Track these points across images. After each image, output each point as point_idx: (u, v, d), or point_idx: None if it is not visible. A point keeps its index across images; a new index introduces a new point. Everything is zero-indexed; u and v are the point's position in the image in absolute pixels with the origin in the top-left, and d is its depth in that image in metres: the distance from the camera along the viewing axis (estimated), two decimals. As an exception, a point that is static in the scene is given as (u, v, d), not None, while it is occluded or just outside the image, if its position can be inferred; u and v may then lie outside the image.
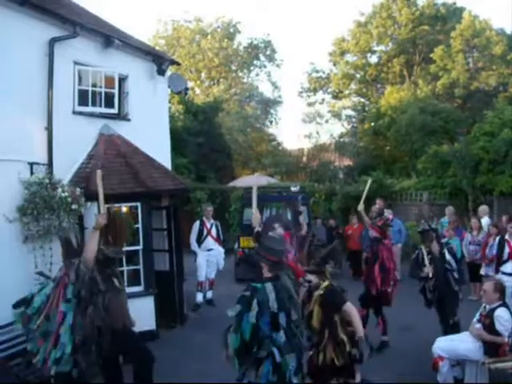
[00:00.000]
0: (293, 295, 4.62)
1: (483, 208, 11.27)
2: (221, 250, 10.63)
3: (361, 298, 7.60)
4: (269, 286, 4.40)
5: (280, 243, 4.99)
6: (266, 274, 4.54)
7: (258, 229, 6.13)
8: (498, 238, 8.72)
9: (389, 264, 7.54)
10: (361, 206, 7.90)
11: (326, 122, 30.92)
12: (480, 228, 10.34)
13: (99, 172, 5.49)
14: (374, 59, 28.50)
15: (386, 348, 7.33)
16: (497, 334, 5.45)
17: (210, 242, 10.36)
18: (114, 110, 8.81)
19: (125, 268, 7.83)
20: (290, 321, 4.40)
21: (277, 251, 4.65)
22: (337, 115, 30.59)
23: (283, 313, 4.34)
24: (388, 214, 11.79)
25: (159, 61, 9.89)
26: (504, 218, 8.99)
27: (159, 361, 5.86)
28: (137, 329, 5.88)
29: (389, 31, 26.76)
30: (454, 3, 26.92)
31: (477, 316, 5.91)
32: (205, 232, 10.34)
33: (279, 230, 6.32)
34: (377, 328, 7.49)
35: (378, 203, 12.74)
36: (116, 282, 5.59)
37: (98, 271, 5.24)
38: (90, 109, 8.39)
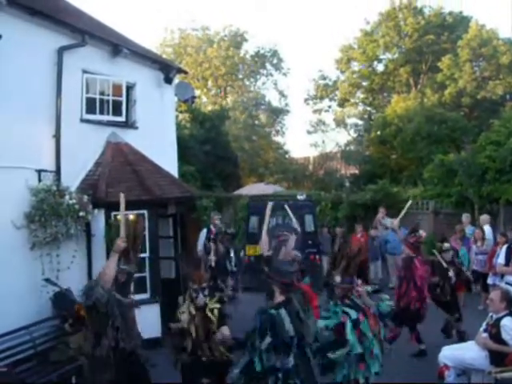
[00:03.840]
0: (302, 318, 4.55)
1: (484, 217, 11.27)
2: (227, 257, 10.61)
3: (395, 316, 7.12)
4: (283, 311, 4.42)
5: (290, 265, 5.01)
6: (279, 298, 4.55)
7: (267, 253, 5.92)
8: (505, 247, 8.64)
9: (421, 281, 7.44)
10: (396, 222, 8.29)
11: (333, 129, 31.00)
12: (483, 238, 10.31)
13: (122, 195, 5.48)
14: (380, 67, 28.53)
15: (424, 356, 7.36)
16: (503, 343, 5.41)
17: (216, 249, 10.35)
18: (122, 118, 8.86)
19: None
20: (304, 344, 4.44)
21: (288, 273, 4.74)
22: (342, 123, 30.58)
23: (297, 337, 4.38)
24: (390, 222, 11.79)
25: (166, 69, 9.97)
26: None
27: (163, 369, 5.85)
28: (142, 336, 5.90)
29: (395, 40, 26.79)
30: (461, 12, 26.94)
31: (483, 325, 5.87)
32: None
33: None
34: (409, 343, 7.52)
35: (381, 211, 12.76)
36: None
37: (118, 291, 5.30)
38: (97, 117, 8.44)
